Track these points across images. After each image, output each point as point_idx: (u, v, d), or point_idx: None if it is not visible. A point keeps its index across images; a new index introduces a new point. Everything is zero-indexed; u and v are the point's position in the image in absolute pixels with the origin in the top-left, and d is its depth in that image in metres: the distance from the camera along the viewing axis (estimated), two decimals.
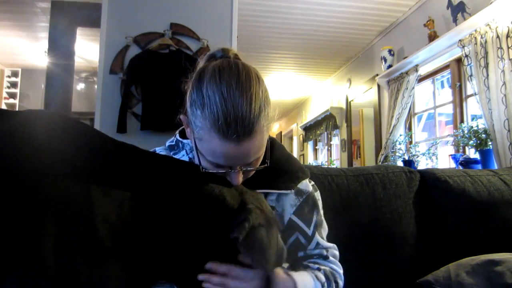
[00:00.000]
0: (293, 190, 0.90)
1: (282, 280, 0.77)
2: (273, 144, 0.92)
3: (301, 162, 6.07)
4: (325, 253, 0.92)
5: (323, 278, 0.87)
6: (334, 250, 0.95)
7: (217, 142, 0.71)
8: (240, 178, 0.78)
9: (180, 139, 0.92)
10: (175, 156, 0.89)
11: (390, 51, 3.78)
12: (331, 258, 0.93)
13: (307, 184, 0.95)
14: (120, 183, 0.58)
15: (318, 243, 0.92)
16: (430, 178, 1.47)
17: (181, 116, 0.83)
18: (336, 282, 0.89)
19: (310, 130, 6.60)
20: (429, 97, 3.66)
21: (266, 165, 0.81)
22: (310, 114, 6.80)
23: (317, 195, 0.98)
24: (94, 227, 0.48)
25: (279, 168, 0.90)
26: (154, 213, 0.63)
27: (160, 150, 0.94)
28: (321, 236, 0.94)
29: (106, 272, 0.49)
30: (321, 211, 0.97)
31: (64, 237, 0.45)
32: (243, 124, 0.70)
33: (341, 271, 0.92)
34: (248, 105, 0.71)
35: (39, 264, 0.43)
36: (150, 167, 0.68)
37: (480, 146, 2.40)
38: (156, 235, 0.62)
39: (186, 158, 0.89)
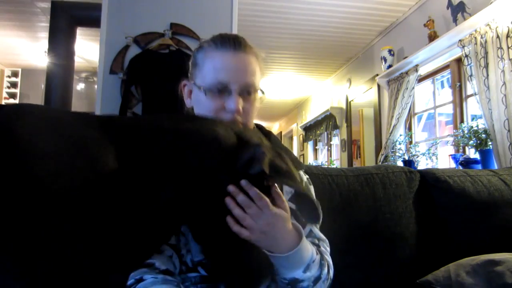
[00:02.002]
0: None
1: (291, 225, 0.76)
2: (270, 134, 0.95)
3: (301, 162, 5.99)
4: (316, 242, 0.91)
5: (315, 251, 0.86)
6: (325, 244, 0.94)
7: (215, 54, 0.82)
8: (239, 105, 0.81)
9: None
10: None
11: (390, 51, 3.78)
12: (322, 248, 0.91)
13: (302, 175, 0.97)
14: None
15: (311, 231, 0.93)
16: (430, 178, 1.47)
17: (182, 83, 0.91)
18: (328, 267, 0.86)
19: (310, 130, 6.60)
20: (429, 97, 3.66)
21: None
22: (310, 114, 6.80)
23: (312, 188, 0.99)
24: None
25: None
26: (145, 172, 0.57)
27: None
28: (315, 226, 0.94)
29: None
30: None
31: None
32: (237, 40, 0.84)
33: (331, 263, 0.89)
34: (241, 37, 0.86)
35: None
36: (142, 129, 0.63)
37: (480, 146, 2.40)
38: (155, 194, 0.57)
39: None
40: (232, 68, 0.80)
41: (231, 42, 0.83)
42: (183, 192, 0.60)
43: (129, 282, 0.76)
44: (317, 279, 0.80)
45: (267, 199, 0.68)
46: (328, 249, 0.94)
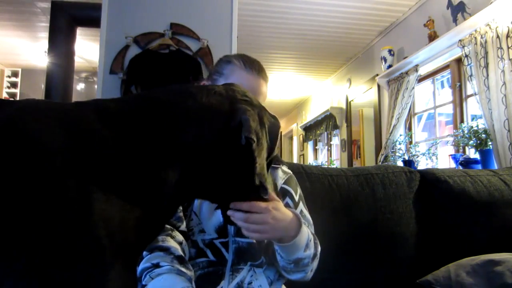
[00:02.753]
0: (279, 167, 1.06)
1: (291, 212, 0.85)
2: None
3: (301, 162, 6.06)
4: (306, 224, 0.97)
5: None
6: (311, 228, 1.01)
7: (242, 72, 0.99)
8: None
9: None
10: None
11: (390, 51, 3.78)
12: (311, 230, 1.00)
13: (286, 168, 1.11)
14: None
15: (301, 211, 1.02)
16: (430, 178, 1.47)
17: (202, 82, 1.04)
18: (316, 246, 0.93)
19: (310, 130, 6.60)
20: (429, 97, 3.66)
21: None
22: (310, 114, 6.80)
23: (294, 179, 1.09)
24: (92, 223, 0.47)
25: None
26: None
27: None
28: (306, 208, 1.04)
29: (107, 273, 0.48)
30: (300, 193, 1.08)
31: (60, 238, 0.44)
32: (260, 66, 1.03)
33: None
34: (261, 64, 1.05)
35: (32, 271, 0.42)
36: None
37: (480, 146, 2.40)
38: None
39: None
40: (252, 89, 0.94)
41: (256, 67, 1.02)
42: (189, 169, 0.61)
43: (146, 265, 0.83)
44: (314, 256, 0.91)
45: (260, 204, 0.74)
46: (313, 230, 1.02)
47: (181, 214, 0.95)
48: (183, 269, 0.84)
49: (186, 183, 0.61)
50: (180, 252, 0.87)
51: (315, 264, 0.93)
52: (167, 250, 0.86)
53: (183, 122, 0.60)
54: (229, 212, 0.74)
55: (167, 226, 0.91)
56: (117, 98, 0.63)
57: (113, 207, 0.49)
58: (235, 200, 0.72)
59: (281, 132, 9.30)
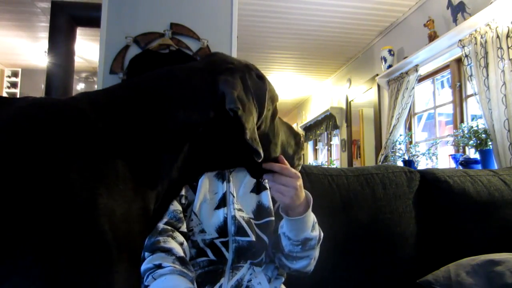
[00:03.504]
0: None
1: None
2: None
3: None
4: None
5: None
6: None
7: None
8: None
9: None
10: None
11: (390, 51, 3.78)
12: None
13: None
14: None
15: None
16: (430, 178, 1.47)
17: None
18: (320, 231, 0.96)
19: (310, 130, 6.60)
20: (429, 97, 3.66)
21: None
22: (310, 114, 6.80)
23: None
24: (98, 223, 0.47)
25: None
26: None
27: None
28: None
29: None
30: None
31: (65, 238, 0.44)
32: None
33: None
34: None
35: (37, 270, 0.42)
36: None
37: (480, 146, 2.40)
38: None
39: None
40: None
41: None
42: (188, 150, 0.62)
43: (148, 265, 0.85)
44: (319, 239, 0.93)
45: (290, 169, 0.80)
46: None
47: (181, 215, 0.96)
48: (185, 270, 0.85)
49: (187, 163, 0.63)
50: (182, 253, 0.88)
51: (317, 252, 0.95)
52: (169, 251, 0.87)
53: (171, 109, 0.61)
54: (265, 176, 0.78)
55: (168, 227, 0.91)
56: (104, 90, 0.64)
57: (116, 200, 0.49)
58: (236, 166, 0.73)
59: None
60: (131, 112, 0.59)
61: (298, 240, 0.90)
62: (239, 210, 0.98)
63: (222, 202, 0.97)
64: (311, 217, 0.91)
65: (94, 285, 0.45)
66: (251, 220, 0.98)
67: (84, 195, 0.46)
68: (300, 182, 0.83)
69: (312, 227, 0.91)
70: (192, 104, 0.62)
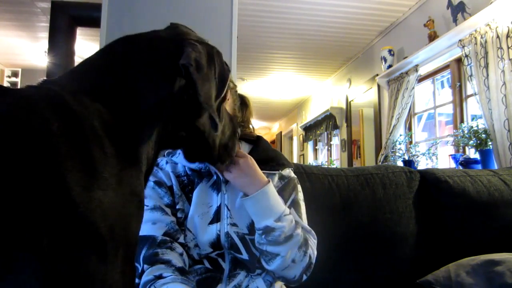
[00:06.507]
0: (277, 173, 1.03)
1: (264, 175, 0.94)
2: (260, 139, 1.09)
3: (301, 162, 6.06)
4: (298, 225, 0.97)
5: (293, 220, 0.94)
6: (310, 235, 0.98)
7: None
8: None
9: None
10: (172, 158, 1.01)
11: (390, 51, 3.79)
12: (306, 232, 0.97)
13: (290, 172, 1.06)
14: None
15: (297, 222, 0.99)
16: (430, 178, 1.47)
17: None
18: (308, 248, 0.93)
19: (310, 130, 6.60)
20: (429, 97, 3.66)
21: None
22: (310, 114, 6.80)
23: (299, 187, 1.06)
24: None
25: (267, 155, 1.05)
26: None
27: (160, 159, 1.02)
28: (298, 215, 1.00)
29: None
30: (301, 196, 1.05)
31: (60, 229, 0.44)
32: None
33: (313, 252, 0.95)
34: None
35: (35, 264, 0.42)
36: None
37: (480, 146, 2.40)
38: None
39: (181, 157, 0.98)
40: None
41: None
42: (163, 125, 0.63)
43: (149, 277, 0.84)
44: (290, 235, 0.89)
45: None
46: (314, 241, 0.99)
47: (177, 227, 0.94)
48: (186, 279, 0.86)
49: (165, 138, 0.64)
50: (181, 264, 0.88)
51: (294, 253, 0.90)
52: (168, 262, 0.86)
53: (139, 88, 0.61)
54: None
55: (167, 238, 0.90)
56: (68, 77, 0.63)
57: (103, 190, 0.49)
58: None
59: (281, 132, 9.30)
60: (105, 97, 0.58)
61: (260, 228, 0.90)
62: (233, 225, 0.94)
63: (216, 217, 0.94)
64: (272, 203, 0.91)
65: (90, 277, 0.45)
66: (245, 236, 0.94)
67: (65, 186, 0.45)
68: (247, 160, 0.91)
69: (278, 218, 0.89)
70: (160, 83, 0.62)
